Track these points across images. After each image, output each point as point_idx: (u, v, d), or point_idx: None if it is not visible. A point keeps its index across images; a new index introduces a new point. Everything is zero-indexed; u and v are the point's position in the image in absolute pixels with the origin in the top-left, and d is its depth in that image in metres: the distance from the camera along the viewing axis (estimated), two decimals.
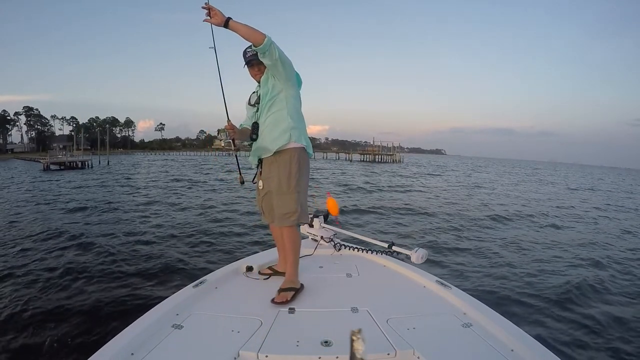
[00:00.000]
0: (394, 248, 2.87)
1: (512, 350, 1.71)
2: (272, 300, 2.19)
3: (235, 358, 1.66)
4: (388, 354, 1.69)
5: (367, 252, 3.07)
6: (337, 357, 1.66)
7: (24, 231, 8.08)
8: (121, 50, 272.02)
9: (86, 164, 33.97)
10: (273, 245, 2.94)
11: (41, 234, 7.70)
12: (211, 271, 2.66)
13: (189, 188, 17.33)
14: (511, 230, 9.31)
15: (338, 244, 3.17)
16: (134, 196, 14.43)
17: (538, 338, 1.79)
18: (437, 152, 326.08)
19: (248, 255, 3.08)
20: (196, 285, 2.35)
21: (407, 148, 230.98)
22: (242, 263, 2.81)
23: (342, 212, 4.29)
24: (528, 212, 12.36)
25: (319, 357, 1.66)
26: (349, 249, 3.15)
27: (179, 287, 2.31)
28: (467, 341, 1.82)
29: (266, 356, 1.67)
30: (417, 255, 2.63)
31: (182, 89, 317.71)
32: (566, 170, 73.54)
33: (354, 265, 2.89)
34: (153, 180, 21.48)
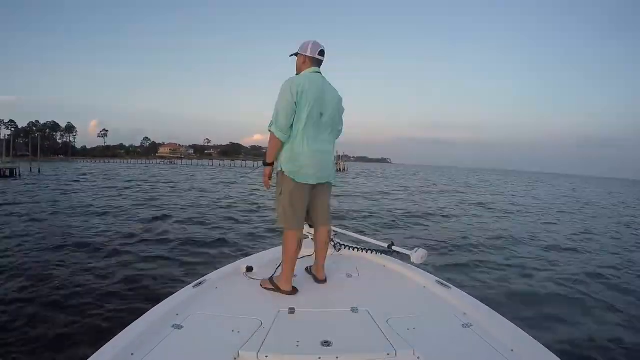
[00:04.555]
0: (394, 248, 2.89)
1: (512, 350, 1.72)
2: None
3: (235, 358, 1.65)
4: (388, 354, 1.69)
5: (367, 252, 3.09)
6: (337, 357, 1.65)
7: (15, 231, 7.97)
8: (69, 50, 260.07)
9: (15, 172, 30.69)
10: (273, 246, 2.92)
11: (36, 234, 7.74)
12: (211, 271, 2.62)
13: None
14: (510, 231, 9.59)
15: (338, 244, 3.18)
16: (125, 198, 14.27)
17: (538, 338, 1.80)
18: (383, 160, 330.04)
19: (248, 255, 3.04)
20: (196, 285, 2.33)
21: (353, 157, 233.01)
22: (242, 263, 2.80)
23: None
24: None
25: (319, 357, 1.66)
26: (349, 249, 3.16)
27: (179, 287, 2.30)
28: (467, 341, 1.83)
29: (266, 356, 1.66)
30: (417, 255, 2.65)
31: (130, 92, 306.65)
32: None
33: (354, 265, 2.90)
34: None
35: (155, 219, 10.37)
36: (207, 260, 6.03)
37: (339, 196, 17.75)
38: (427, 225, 10.81)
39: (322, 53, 2.44)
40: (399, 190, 24.68)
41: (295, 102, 2.27)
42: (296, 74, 2.47)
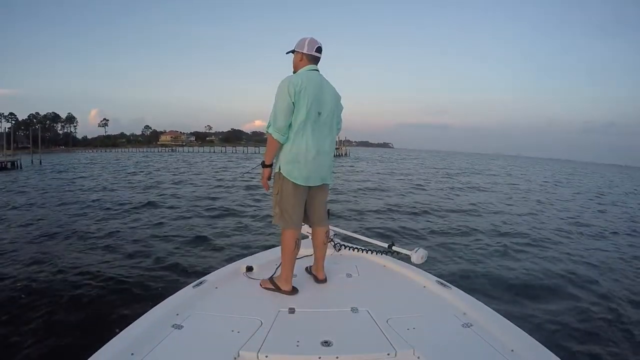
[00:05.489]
0: (394, 248, 2.88)
1: (512, 350, 1.72)
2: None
3: (235, 358, 1.66)
4: (388, 354, 1.70)
5: (367, 252, 3.08)
6: (337, 357, 1.67)
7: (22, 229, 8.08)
8: (68, 41, 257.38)
9: (16, 164, 30.72)
10: (273, 245, 2.92)
11: (36, 233, 7.64)
12: (211, 271, 2.63)
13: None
14: (510, 230, 9.41)
15: (338, 244, 3.17)
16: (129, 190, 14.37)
17: (538, 338, 1.80)
18: (385, 145, 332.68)
19: (248, 255, 3.04)
20: (196, 285, 2.34)
21: (355, 142, 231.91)
22: (242, 263, 2.80)
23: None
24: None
25: (319, 357, 1.67)
26: (349, 249, 3.15)
27: (179, 287, 2.31)
28: (467, 341, 1.84)
29: (266, 356, 1.67)
30: (417, 255, 2.65)
31: (130, 82, 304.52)
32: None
33: (354, 265, 2.89)
34: None
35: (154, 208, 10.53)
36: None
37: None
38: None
39: (319, 50, 2.39)
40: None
41: (293, 102, 2.23)
42: (293, 72, 2.43)
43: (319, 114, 2.32)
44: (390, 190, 15.97)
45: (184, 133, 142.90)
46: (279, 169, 2.36)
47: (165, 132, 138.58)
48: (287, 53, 2.47)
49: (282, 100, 2.24)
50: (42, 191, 14.80)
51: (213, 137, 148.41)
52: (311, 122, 2.30)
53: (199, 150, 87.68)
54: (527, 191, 18.76)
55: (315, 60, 2.40)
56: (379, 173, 26.57)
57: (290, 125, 2.28)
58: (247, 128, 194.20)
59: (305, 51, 2.36)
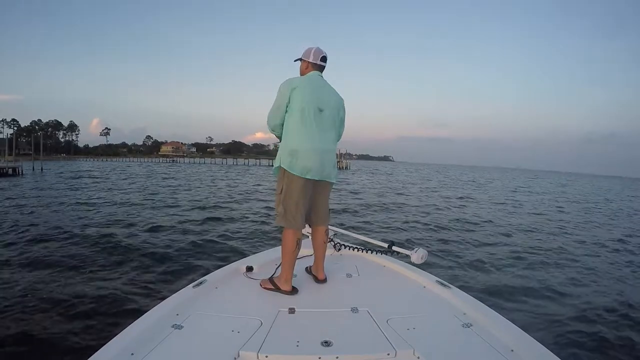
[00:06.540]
0: (394, 248, 2.89)
1: (512, 350, 1.71)
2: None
3: (235, 358, 1.65)
4: (388, 354, 1.69)
5: (367, 252, 3.08)
6: (337, 357, 1.65)
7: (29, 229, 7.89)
8: (71, 49, 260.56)
9: (17, 170, 30.66)
10: (273, 245, 2.91)
11: (37, 232, 7.67)
12: (211, 271, 2.64)
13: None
14: (511, 231, 9.64)
15: (338, 244, 3.18)
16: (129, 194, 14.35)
17: (538, 338, 1.79)
18: (385, 158, 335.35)
19: (248, 255, 3.05)
20: (196, 285, 2.33)
21: (355, 155, 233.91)
22: (242, 263, 2.80)
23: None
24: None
25: (319, 357, 1.66)
26: (349, 249, 3.15)
27: (179, 287, 2.32)
28: (467, 341, 1.83)
29: (266, 356, 1.66)
30: (417, 255, 2.65)
31: (132, 91, 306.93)
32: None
33: (354, 265, 2.90)
34: None
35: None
36: None
37: None
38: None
39: (324, 59, 2.54)
40: None
41: (289, 97, 2.38)
42: None
43: (320, 110, 2.43)
44: (388, 195, 16.96)
45: (185, 144, 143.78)
46: (281, 164, 2.42)
47: (166, 142, 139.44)
48: (295, 61, 2.62)
49: (279, 97, 2.42)
50: (36, 202, 14.64)
51: (214, 148, 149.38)
52: (310, 118, 2.39)
53: (199, 162, 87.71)
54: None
55: (320, 68, 2.56)
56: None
57: (289, 121, 2.42)
58: (249, 140, 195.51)
59: (310, 60, 2.52)
